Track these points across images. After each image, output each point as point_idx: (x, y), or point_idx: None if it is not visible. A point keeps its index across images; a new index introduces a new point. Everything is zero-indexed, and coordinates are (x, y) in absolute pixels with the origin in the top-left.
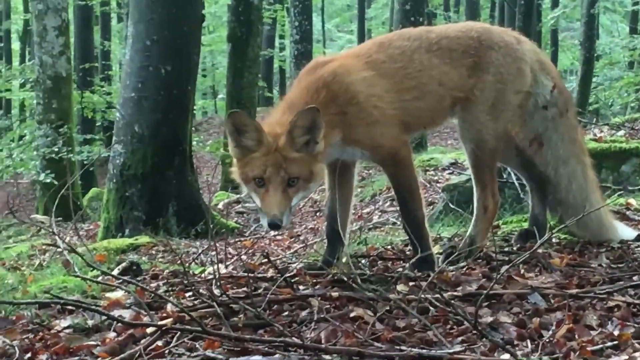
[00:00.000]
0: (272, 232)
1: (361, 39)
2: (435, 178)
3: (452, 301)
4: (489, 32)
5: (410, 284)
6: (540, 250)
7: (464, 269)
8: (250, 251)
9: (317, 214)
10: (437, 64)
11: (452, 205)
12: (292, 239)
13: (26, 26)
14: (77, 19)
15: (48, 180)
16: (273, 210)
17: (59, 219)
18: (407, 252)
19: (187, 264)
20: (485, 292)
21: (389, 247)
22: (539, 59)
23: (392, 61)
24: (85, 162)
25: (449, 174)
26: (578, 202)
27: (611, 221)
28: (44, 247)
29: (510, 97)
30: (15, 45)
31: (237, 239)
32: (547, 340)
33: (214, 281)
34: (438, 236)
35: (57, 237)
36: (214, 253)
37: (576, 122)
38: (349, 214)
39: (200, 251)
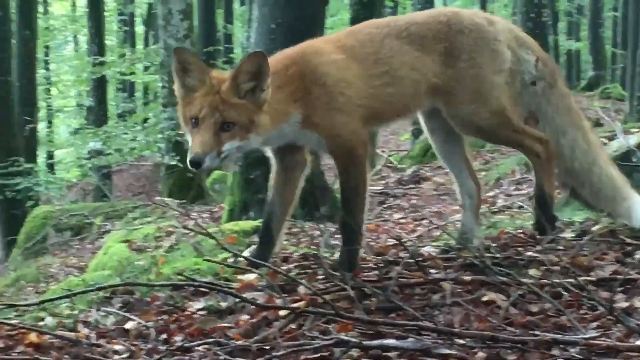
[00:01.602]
0: (194, 170)
1: None
2: None
3: (586, 286)
4: (458, 16)
5: (542, 268)
6: None
7: (597, 253)
8: (374, 234)
9: (441, 197)
10: (409, 49)
11: None
12: (417, 222)
13: (150, 10)
14: (200, 2)
15: (172, 163)
16: (196, 148)
17: (184, 201)
18: (538, 237)
19: (314, 247)
20: (621, 277)
21: (520, 230)
22: (516, 36)
23: (362, 46)
24: None
25: None
26: (585, 167)
27: (623, 181)
28: (169, 229)
29: (492, 78)
30: (139, 29)
31: None
32: None
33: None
34: (569, 219)
35: (191, 220)
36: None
37: (567, 90)
38: (286, 217)
39: (327, 234)
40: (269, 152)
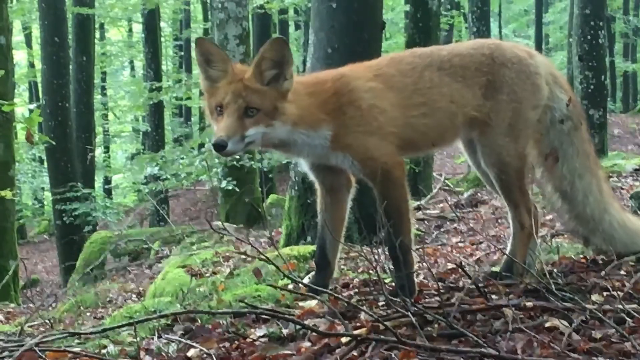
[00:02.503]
0: (217, 154)
1: (538, 43)
2: (619, 184)
3: None
4: (501, 48)
5: (605, 293)
6: None
7: None
8: (432, 259)
9: (498, 221)
10: (449, 81)
11: None
12: (474, 246)
13: (206, 35)
14: (256, 28)
15: (230, 188)
16: (220, 132)
17: (240, 226)
18: (600, 262)
19: (376, 271)
20: None
21: (581, 255)
22: (552, 72)
23: (402, 75)
24: (265, 170)
25: (633, 180)
26: (596, 215)
27: (638, 223)
28: (229, 254)
29: (528, 114)
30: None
31: (418, 247)
32: None
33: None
34: None
35: (251, 246)
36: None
37: (588, 136)
38: (339, 240)
39: (386, 260)
40: (311, 176)
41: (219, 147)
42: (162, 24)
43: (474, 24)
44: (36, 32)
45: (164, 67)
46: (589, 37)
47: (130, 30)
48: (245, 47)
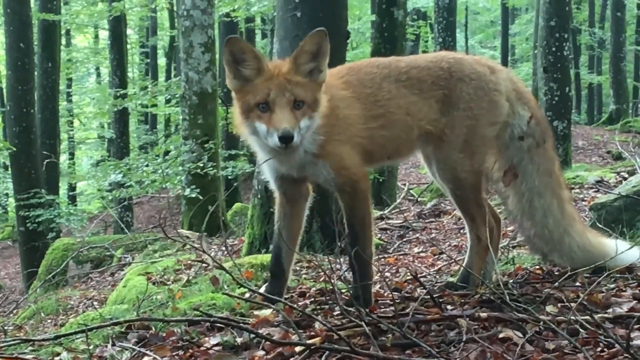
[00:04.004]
0: (284, 146)
1: (504, 54)
2: (581, 196)
3: (603, 323)
4: (460, 63)
5: (559, 304)
6: None
7: (614, 290)
8: (393, 268)
9: (461, 231)
10: (406, 93)
11: (599, 225)
12: (436, 256)
13: (172, 42)
14: (222, 35)
15: (193, 195)
16: (283, 124)
17: (204, 233)
18: (556, 273)
19: (331, 281)
20: (638, 314)
21: (537, 266)
22: (516, 88)
23: (362, 86)
24: (229, 178)
25: (595, 192)
26: (555, 236)
27: (598, 244)
28: (189, 262)
29: (485, 130)
30: (161, 61)
31: (380, 256)
32: None
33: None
34: None
35: (206, 254)
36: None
37: (554, 154)
38: (294, 249)
39: (345, 269)
40: (273, 185)
41: (287, 138)
42: (129, 31)
43: (440, 34)
44: (1, 38)
45: (130, 74)
46: (554, 48)
47: (96, 36)
48: (210, 55)
